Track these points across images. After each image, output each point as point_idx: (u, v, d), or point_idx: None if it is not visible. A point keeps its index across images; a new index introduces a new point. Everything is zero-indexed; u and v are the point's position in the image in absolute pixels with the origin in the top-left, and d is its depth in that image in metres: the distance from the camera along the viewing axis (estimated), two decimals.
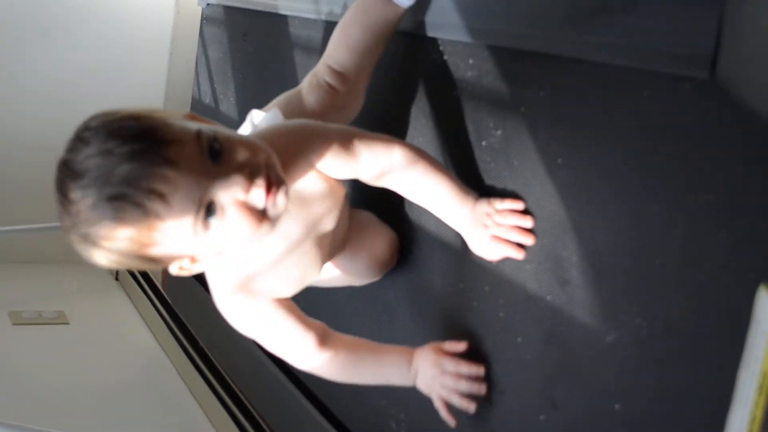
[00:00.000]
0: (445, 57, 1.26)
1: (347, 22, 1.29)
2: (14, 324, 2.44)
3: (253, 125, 1.18)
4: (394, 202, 1.14)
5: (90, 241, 0.85)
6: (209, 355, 2.18)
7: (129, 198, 0.80)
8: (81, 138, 0.84)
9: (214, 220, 0.87)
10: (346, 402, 1.53)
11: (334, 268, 1.33)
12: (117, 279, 2.82)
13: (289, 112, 1.25)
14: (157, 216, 0.82)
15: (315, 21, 1.64)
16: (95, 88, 2.82)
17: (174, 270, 0.94)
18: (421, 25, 1.30)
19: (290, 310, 1.13)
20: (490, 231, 1.09)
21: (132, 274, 2.73)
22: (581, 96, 1.01)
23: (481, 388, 1.13)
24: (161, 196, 0.81)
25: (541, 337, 1.06)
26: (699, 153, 0.86)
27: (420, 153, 1.11)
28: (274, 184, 0.89)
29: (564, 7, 1.03)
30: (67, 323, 2.50)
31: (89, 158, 0.81)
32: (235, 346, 1.97)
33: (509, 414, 1.11)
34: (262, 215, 0.89)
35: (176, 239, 0.86)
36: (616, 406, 0.94)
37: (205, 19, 2.30)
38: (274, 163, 0.92)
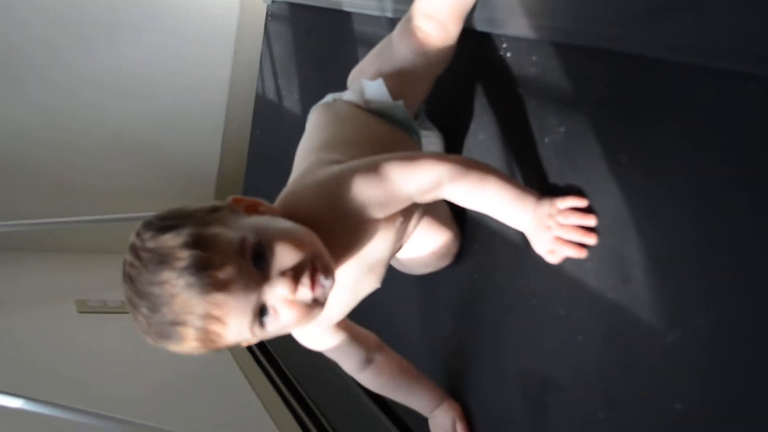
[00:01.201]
0: (509, 54, 1.26)
1: None
2: (80, 312, 2.50)
3: (364, 97, 1.30)
4: None
5: (160, 345, 0.94)
6: (269, 348, 2.21)
7: (188, 323, 0.90)
8: (140, 257, 0.91)
9: (267, 319, 0.95)
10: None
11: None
12: None
13: (381, 63, 1.34)
14: (216, 333, 0.91)
15: (379, 18, 1.65)
16: (161, 84, 2.89)
17: (242, 345, 1.02)
18: (485, 21, 1.30)
19: (344, 331, 1.27)
20: (553, 232, 1.07)
21: None
22: (646, 94, 1.00)
23: None
24: (217, 318, 0.90)
25: (602, 336, 1.05)
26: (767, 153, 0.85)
27: (469, 164, 1.09)
28: (320, 272, 0.95)
29: (629, 4, 1.03)
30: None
31: (150, 284, 0.89)
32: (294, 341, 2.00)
33: (567, 412, 1.11)
34: (314, 303, 0.96)
35: (236, 339, 0.95)
36: (677, 406, 0.93)
37: (270, 16, 2.33)
38: (320, 253, 0.97)
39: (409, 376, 1.36)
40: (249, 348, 2.24)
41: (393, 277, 1.46)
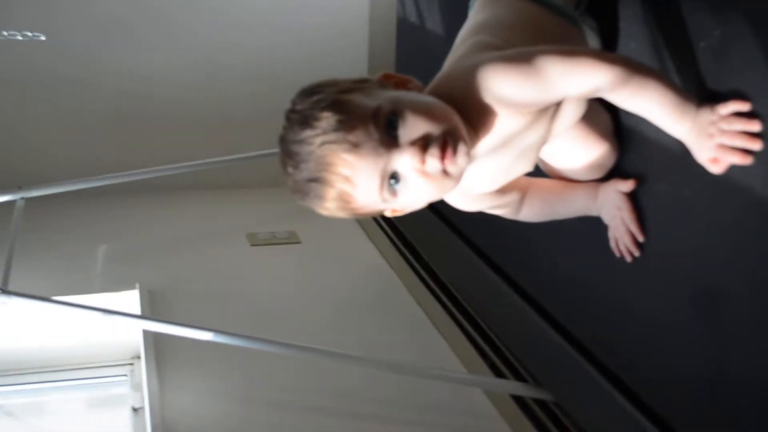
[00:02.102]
0: None
1: None
2: (252, 245, 2.63)
3: None
4: None
5: (305, 203, 1.03)
6: (433, 267, 2.25)
7: (323, 180, 0.97)
8: (289, 118, 1.01)
9: (399, 187, 0.99)
10: (573, 320, 1.56)
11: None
12: None
13: None
14: (348, 192, 0.98)
15: None
16: (303, 16, 2.94)
17: (387, 214, 1.08)
18: None
19: (495, 194, 1.28)
20: (716, 140, 1.04)
21: None
22: None
23: (633, 249, 1.30)
24: (347, 178, 0.97)
25: None
26: None
27: (632, 67, 1.05)
28: (451, 146, 0.97)
29: None
30: (299, 242, 2.66)
31: (294, 143, 0.99)
32: (457, 260, 2.03)
33: (742, 320, 1.09)
34: (444, 175, 0.99)
35: (371, 203, 1.01)
36: None
37: None
38: (455, 128, 0.99)
39: (560, 189, 1.38)
40: (418, 274, 2.29)
41: None
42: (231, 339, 1.70)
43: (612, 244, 1.35)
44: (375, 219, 2.67)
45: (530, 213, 1.38)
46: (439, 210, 2.18)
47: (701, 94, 1.10)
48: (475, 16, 1.28)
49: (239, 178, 2.96)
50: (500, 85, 1.04)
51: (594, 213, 1.37)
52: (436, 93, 1.06)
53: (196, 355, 1.98)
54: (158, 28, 2.85)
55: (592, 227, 1.38)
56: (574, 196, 1.37)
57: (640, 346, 1.33)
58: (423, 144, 0.97)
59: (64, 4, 2.75)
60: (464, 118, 1.03)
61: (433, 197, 1.04)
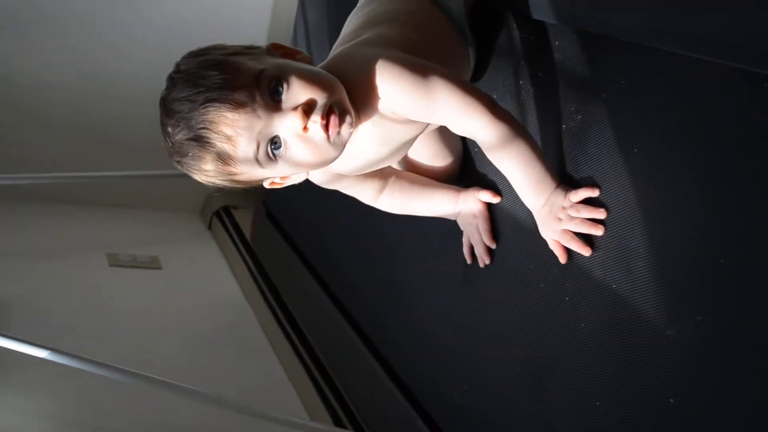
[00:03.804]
0: (534, 36, 1.25)
1: None
2: (111, 265, 2.55)
3: None
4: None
5: (184, 166, 1.03)
6: (290, 309, 2.24)
7: (204, 139, 0.97)
8: (172, 79, 1.00)
9: (279, 152, 0.99)
10: (413, 373, 1.57)
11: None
12: (210, 228, 2.91)
13: None
14: (228, 153, 0.98)
15: None
16: (200, 42, 2.89)
17: (266, 185, 1.08)
18: (512, 4, 1.29)
19: (359, 178, 1.28)
20: (563, 225, 1.09)
21: (223, 224, 2.80)
22: (662, 87, 1.00)
23: (485, 256, 1.30)
24: (228, 138, 0.96)
25: (604, 325, 1.06)
26: None
27: (518, 131, 1.08)
28: (336, 115, 0.97)
29: None
30: (160, 268, 2.60)
31: (176, 101, 0.98)
32: (315, 304, 2.02)
33: (565, 398, 1.13)
34: (326, 143, 0.99)
35: (251, 168, 1.01)
36: (671, 400, 0.94)
37: None
38: (340, 98, 1.00)
39: (423, 185, 1.36)
40: (276, 316, 2.27)
41: (409, 243, 1.47)
42: (67, 360, 1.64)
43: (465, 249, 1.36)
44: (239, 250, 2.63)
45: (389, 202, 1.36)
46: (301, 252, 2.18)
47: (557, 173, 1.14)
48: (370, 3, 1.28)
49: (105, 195, 2.87)
50: (391, 90, 1.05)
51: (451, 216, 1.37)
52: (330, 69, 1.06)
53: (33, 373, 1.89)
54: (52, 26, 2.73)
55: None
56: (435, 195, 1.36)
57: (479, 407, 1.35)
58: (306, 110, 0.97)
59: None
60: (352, 99, 1.04)
61: (313, 166, 1.04)
